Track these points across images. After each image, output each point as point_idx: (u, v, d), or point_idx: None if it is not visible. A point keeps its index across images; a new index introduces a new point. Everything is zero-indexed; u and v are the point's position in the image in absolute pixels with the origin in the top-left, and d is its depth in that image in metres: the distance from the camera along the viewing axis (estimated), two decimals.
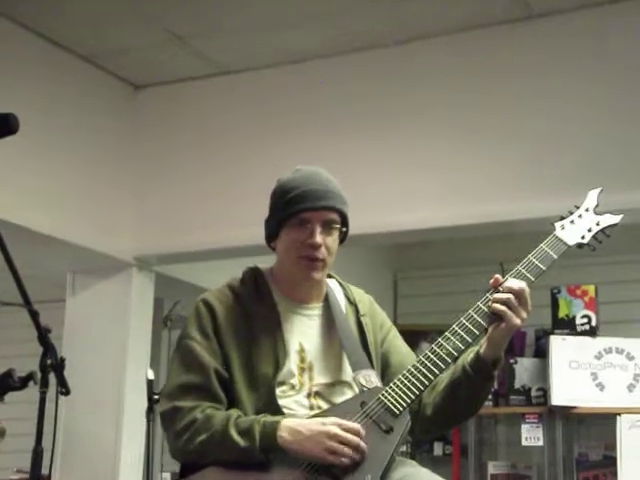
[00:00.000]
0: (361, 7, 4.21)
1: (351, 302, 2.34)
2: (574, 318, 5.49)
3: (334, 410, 2.11)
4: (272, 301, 2.24)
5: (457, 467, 5.88)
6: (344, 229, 2.26)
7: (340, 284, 2.37)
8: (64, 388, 2.47)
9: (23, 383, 2.51)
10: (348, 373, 2.21)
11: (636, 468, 4.37)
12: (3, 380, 2.54)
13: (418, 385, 2.08)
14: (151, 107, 4.99)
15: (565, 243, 2.18)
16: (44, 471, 2.51)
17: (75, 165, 4.61)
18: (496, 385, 5.56)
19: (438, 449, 6.06)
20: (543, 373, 5.53)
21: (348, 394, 2.19)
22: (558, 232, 2.20)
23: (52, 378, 2.53)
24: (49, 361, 2.44)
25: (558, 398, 5.32)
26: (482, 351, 2.12)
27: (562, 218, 2.23)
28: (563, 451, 5.49)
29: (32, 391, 2.55)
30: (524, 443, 5.51)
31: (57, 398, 2.49)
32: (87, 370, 4.60)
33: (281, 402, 2.13)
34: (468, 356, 2.15)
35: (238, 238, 4.51)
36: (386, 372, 2.25)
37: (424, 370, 2.09)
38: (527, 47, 4.22)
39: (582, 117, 4.04)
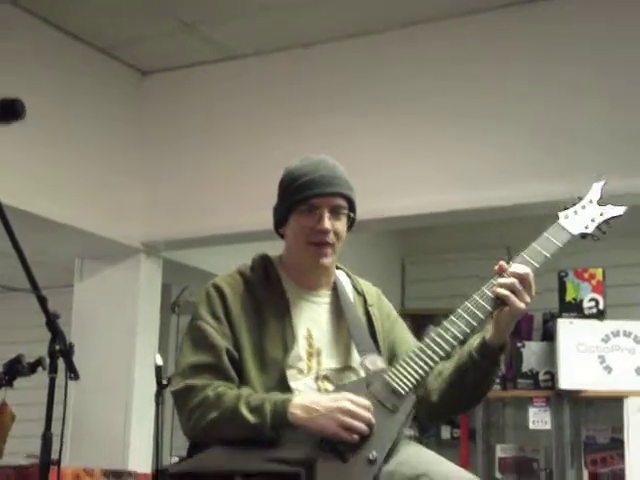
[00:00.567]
0: None
1: (359, 293, 2.37)
2: (582, 301, 5.49)
3: (340, 390, 2.12)
4: (281, 288, 2.26)
5: (465, 450, 5.90)
6: (352, 215, 2.28)
7: (348, 275, 2.40)
8: (73, 373, 2.48)
9: (32, 369, 2.53)
10: (356, 360, 2.23)
11: None
12: (12, 366, 2.56)
13: (423, 366, 2.11)
14: (159, 93, 4.99)
15: (569, 232, 2.21)
16: (54, 456, 2.53)
17: (83, 152, 4.61)
18: (503, 369, 5.57)
19: (446, 433, 6.08)
20: (550, 357, 5.54)
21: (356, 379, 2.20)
22: (562, 221, 2.22)
23: (61, 364, 2.54)
24: (58, 347, 2.45)
25: (565, 382, 5.33)
26: (488, 336, 2.14)
27: (566, 208, 2.25)
28: (570, 434, 5.50)
29: (41, 377, 2.57)
30: (532, 427, 5.53)
31: (66, 383, 2.51)
32: (96, 356, 4.62)
33: (291, 384, 2.15)
34: (474, 342, 2.17)
35: (246, 223, 4.52)
36: (393, 362, 2.26)
37: (429, 352, 2.11)
38: (527, 32, 4.22)
39: (583, 102, 4.04)
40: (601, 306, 5.46)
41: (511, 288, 2.09)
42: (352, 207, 2.27)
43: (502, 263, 2.15)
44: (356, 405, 2.02)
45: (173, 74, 4.97)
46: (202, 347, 2.15)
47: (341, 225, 2.24)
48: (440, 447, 5.81)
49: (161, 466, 3.57)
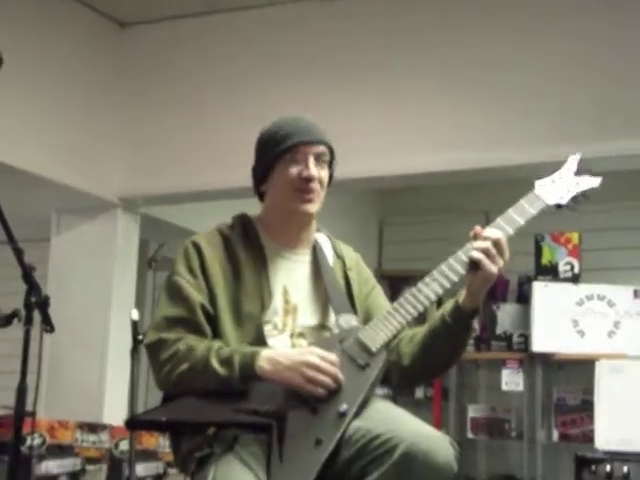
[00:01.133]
0: None
1: (338, 256, 2.38)
2: (557, 265, 5.54)
3: (313, 346, 2.13)
4: (259, 245, 2.26)
5: (438, 410, 5.96)
6: (332, 166, 2.29)
7: (329, 238, 2.41)
8: (48, 326, 2.49)
9: (7, 320, 2.53)
10: (332, 319, 2.25)
11: (612, 412, 4.44)
12: None
13: (395, 325, 2.13)
14: (138, 46, 4.94)
15: (543, 201, 2.21)
16: (29, 408, 2.54)
17: (61, 105, 4.57)
18: (478, 330, 5.62)
19: (419, 392, 6.14)
20: (525, 319, 5.59)
21: None
22: (538, 190, 2.23)
23: (37, 317, 2.55)
24: (33, 299, 2.45)
25: (539, 344, 5.39)
26: (461, 300, 2.16)
27: (543, 177, 2.25)
28: (542, 396, 5.58)
29: (17, 329, 2.57)
30: (504, 388, 5.60)
31: (41, 336, 2.52)
32: (72, 309, 4.62)
33: (267, 341, 2.16)
34: (447, 306, 2.19)
35: (226, 180, 4.50)
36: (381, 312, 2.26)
37: (402, 311, 2.13)
38: (513, 0, 4.20)
39: (567, 69, 4.04)
40: (576, 270, 5.51)
41: (485, 252, 2.10)
42: (332, 158, 2.29)
43: (478, 228, 2.15)
44: (322, 359, 2.04)
45: (152, 27, 4.91)
46: (177, 301, 2.16)
47: (324, 174, 2.26)
48: (414, 406, 5.86)
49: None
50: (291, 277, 2.26)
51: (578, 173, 2.26)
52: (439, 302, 2.22)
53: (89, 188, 4.69)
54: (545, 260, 5.55)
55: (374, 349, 2.11)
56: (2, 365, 4.63)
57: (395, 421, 2.03)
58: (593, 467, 4.16)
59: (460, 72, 4.21)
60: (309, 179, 2.21)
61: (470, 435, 5.90)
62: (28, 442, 3.54)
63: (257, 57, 4.63)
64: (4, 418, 3.69)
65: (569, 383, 5.70)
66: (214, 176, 4.59)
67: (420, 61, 4.32)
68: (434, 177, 4.39)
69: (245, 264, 2.21)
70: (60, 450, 3.84)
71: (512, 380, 5.58)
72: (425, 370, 2.27)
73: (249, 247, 2.25)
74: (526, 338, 5.61)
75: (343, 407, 2.02)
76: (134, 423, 2.51)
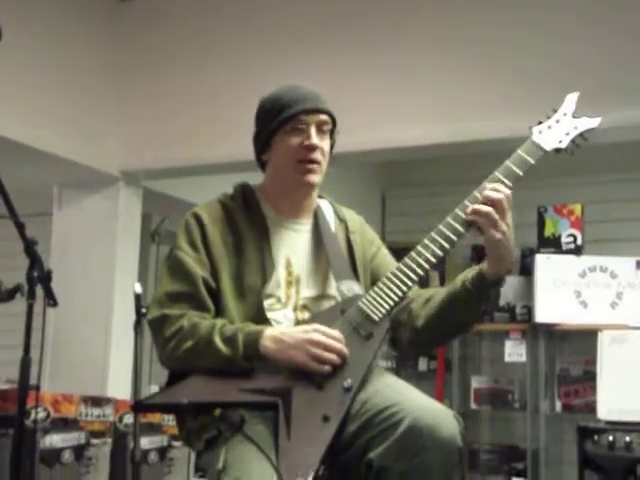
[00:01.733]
0: None
1: (341, 220, 2.35)
2: (560, 237, 5.54)
3: (314, 319, 2.13)
4: (261, 215, 2.24)
5: (441, 382, 5.98)
6: (334, 135, 2.26)
7: (331, 204, 2.38)
8: (51, 300, 2.49)
9: (10, 295, 2.54)
10: (334, 287, 2.22)
11: (614, 383, 4.46)
12: None
13: (397, 291, 2.10)
14: (137, 19, 4.90)
15: (542, 148, 2.15)
16: (33, 381, 2.55)
17: (60, 78, 4.55)
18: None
19: (423, 364, 6.16)
20: (528, 291, 5.60)
21: None
22: (535, 137, 2.17)
23: (40, 291, 2.55)
24: (36, 273, 2.45)
25: (542, 315, 5.40)
26: (484, 268, 2.10)
27: (540, 123, 2.19)
28: (545, 367, 5.59)
29: (20, 303, 2.58)
30: (507, 359, 5.62)
31: (44, 310, 2.52)
32: (75, 283, 4.63)
33: (269, 315, 2.15)
34: (470, 272, 2.13)
35: (227, 153, 4.49)
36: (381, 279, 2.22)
37: (402, 277, 2.10)
38: None
39: (565, 40, 3.99)
40: (579, 242, 5.51)
41: (487, 217, 2.05)
42: (334, 126, 2.25)
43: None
44: (326, 336, 2.03)
45: (152, 0, 4.88)
46: (179, 276, 2.14)
47: (326, 143, 2.22)
48: (417, 378, 5.89)
49: (139, 395, 3.60)
50: (293, 247, 2.25)
51: (576, 114, 2.20)
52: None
53: (91, 162, 4.68)
54: (548, 232, 5.55)
55: (377, 318, 2.09)
56: (6, 340, 4.65)
57: (400, 395, 2.02)
58: (595, 437, 4.18)
59: (459, 45, 4.18)
60: (311, 148, 2.18)
61: (473, 406, 5.93)
62: (32, 416, 3.55)
63: (259, 29, 4.60)
64: (8, 392, 3.71)
65: (572, 354, 5.72)
66: (216, 149, 4.58)
67: (420, 36, 4.28)
68: (435, 149, 4.37)
69: (247, 236, 2.20)
70: (64, 424, 3.86)
71: (515, 351, 5.60)
72: (437, 333, 2.22)
73: (250, 218, 2.23)
74: (529, 309, 5.62)
75: (348, 382, 2.01)
76: (140, 407, 2.52)
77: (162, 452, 4.27)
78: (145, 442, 4.13)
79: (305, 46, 4.49)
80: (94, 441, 3.97)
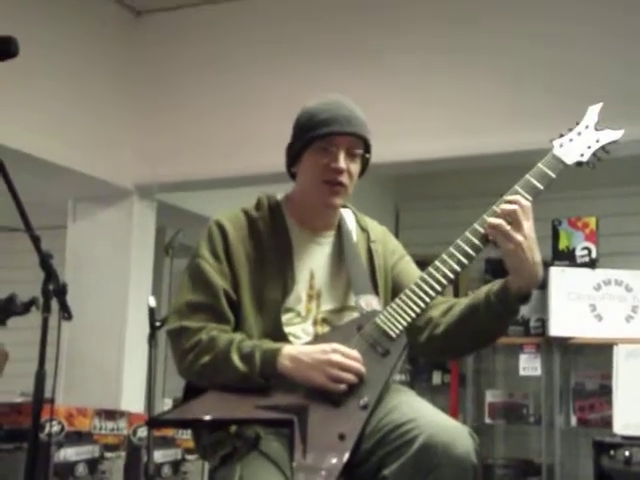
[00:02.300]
0: None
1: (363, 229, 2.34)
2: (574, 250, 5.51)
3: (331, 335, 2.12)
4: (285, 227, 2.23)
5: (455, 396, 5.95)
6: (367, 155, 2.24)
7: (354, 213, 2.37)
8: (66, 313, 2.50)
9: (25, 308, 2.54)
10: (354, 299, 2.21)
11: (630, 397, 4.43)
12: (6, 305, 2.56)
13: (414, 308, 2.08)
14: (154, 33, 4.94)
15: (563, 162, 2.12)
16: (47, 394, 2.55)
17: (77, 92, 4.57)
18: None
19: (437, 378, 6.13)
20: (542, 304, 5.56)
21: None
22: (556, 150, 2.13)
23: (55, 304, 2.55)
24: (51, 286, 2.45)
25: (556, 329, 5.37)
26: (508, 282, 2.07)
27: (561, 136, 2.16)
28: (560, 381, 5.56)
29: (36, 317, 2.58)
30: (522, 373, 5.58)
31: (59, 323, 2.52)
32: (90, 296, 4.64)
33: (287, 329, 2.14)
34: (496, 284, 2.11)
35: (241, 167, 4.50)
36: (398, 295, 2.18)
37: (420, 293, 2.08)
38: None
39: (584, 54, 4.00)
40: (593, 255, 5.48)
41: (498, 229, 2.02)
42: (368, 149, 2.24)
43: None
44: (345, 357, 2.01)
45: (168, 14, 4.91)
46: (200, 286, 2.13)
47: (355, 167, 2.20)
48: (431, 392, 5.87)
49: (153, 408, 3.60)
50: (316, 261, 2.23)
51: (599, 126, 2.15)
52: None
53: (105, 175, 4.70)
54: (562, 245, 5.53)
55: (394, 335, 2.07)
56: (21, 353, 4.65)
57: (416, 412, 2.00)
58: (612, 452, 4.15)
59: (476, 58, 4.19)
60: (337, 171, 2.16)
61: (488, 420, 5.89)
62: (47, 429, 3.55)
63: (272, 44, 4.61)
64: (23, 405, 3.72)
65: (587, 368, 5.69)
66: (230, 162, 4.59)
67: (436, 48, 4.29)
68: (451, 162, 4.37)
69: (269, 248, 2.19)
70: (78, 437, 3.86)
71: (530, 365, 5.56)
72: (456, 343, 2.19)
73: (274, 230, 2.22)
74: (543, 322, 5.59)
75: (364, 400, 2.00)
76: (156, 423, 2.51)
77: (176, 466, 4.27)
78: (159, 456, 4.13)
79: (319, 60, 4.50)
80: (108, 454, 3.97)
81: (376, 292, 2.22)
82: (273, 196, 2.29)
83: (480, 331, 2.14)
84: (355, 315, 2.17)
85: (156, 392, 4.50)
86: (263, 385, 2.03)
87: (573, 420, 5.61)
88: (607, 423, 4.87)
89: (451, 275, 2.08)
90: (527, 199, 2.07)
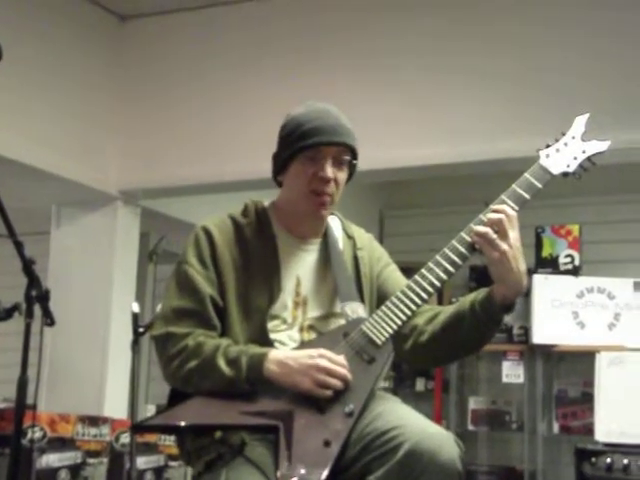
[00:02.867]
0: None
1: (349, 236, 2.34)
2: (557, 257, 5.54)
3: (318, 341, 2.12)
4: (272, 234, 2.23)
5: (438, 402, 5.97)
6: (354, 162, 2.24)
7: (340, 220, 2.38)
8: (49, 319, 2.49)
9: (8, 314, 2.53)
10: (340, 306, 2.21)
11: (612, 404, 4.45)
12: None
13: (400, 315, 2.08)
14: (138, 39, 4.93)
15: (549, 172, 2.13)
16: (30, 400, 2.54)
17: (60, 98, 4.56)
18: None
19: (420, 385, 6.15)
20: (525, 311, 5.59)
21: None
22: (543, 161, 2.15)
23: (38, 310, 2.54)
24: (34, 292, 2.45)
25: (539, 336, 5.39)
26: (493, 291, 2.08)
27: (548, 146, 2.17)
28: (543, 388, 5.58)
29: (18, 322, 2.57)
30: (505, 380, 5.60)
31: (42, 329, 2.51)
32: (73, 302, 4.62)
33: (273, 336, 2.14)
34: (480, 293, 2.12)
35: (225, 173, 4.50)
36: (384, 302, 2.19)
37: (406, 300, 2.09)
38: None
39: (569, 58, 4.02)
40: (577, 262, 5.51)
41: (485, 237, 2.04)
42: (355, 157, 2.24)
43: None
44: (331, 362, 2.02)
45: (152, 20, 4.90)
46: (187, 292, 2.13)
47: (342, 175, 2.20)
48: (414, 399, 5.87)
49: (136, 414, 3.59)
50: (303, 268, 2.23)
51: (585, 137, 2.16)
52: None
53: (89, 181, 4.68)
54: (545, 252, 5.56)
55: (379, 342, 2.07)
56: (3, 359, 4.63)
57: (401, 419, 2.00)
58: (593, 459, 4.17)
59: (461, 66, 4.20)
60: (324, 181, 2.16)
61: (471, 427, 5.91)
62: (29, 435, 3.54)
63: (257, 49, 4.62)
64: (5, 411, 3.70)
65: (569, 375, 5.71)
66: (214, 169, 4.58)
67: (421, 56, 4.30)
68: (436, 170, 4.38)
69: (256, 255, 2.19)
70: (61, 443, 3.84)
71: (512, 372, 5.58)
72: (440, 351, 2.20)
73: (261, 237, 2.22)
74: (526, 330, 5.61)
75: (349, 407, 2.00)
76: (140, 428, 2.50)
77: (158, 472, 4.25)
78: (141, 462, 4.11)
79: (305, 64, 4.50)
80: (90, 460, 3.95)
81: (362, 299, 2.22)
82: (260, 202, 2.29)
83: (464, 340, 2.15)
84: (341, 322, 2.18)
85: (139, 398, 4.49)
86: (249, 390, 2.02)
87: (555, 427, 5.63)
88: (589, 430, 4.89)
89: (438, 283, 2.09)
90: (513, 208, 2.08)
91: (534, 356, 5.57)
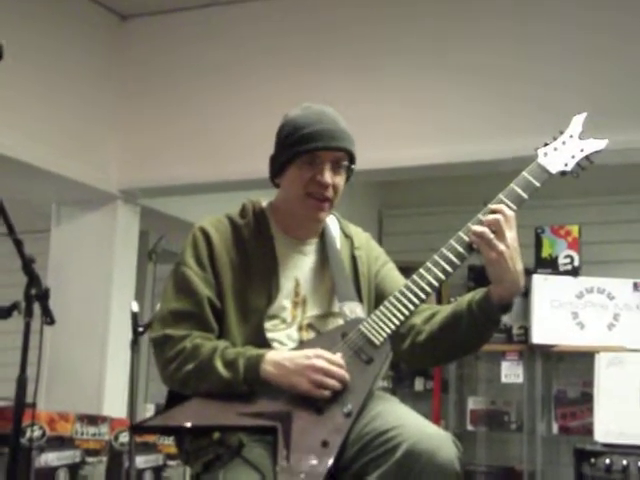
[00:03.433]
0: None
1: (347, 236, 2.34)
2: (557, 258, 5.54)
3: (316, 341, 2.12)
4: (269, 235, 2.23)
5: (437, 402, 5.96)
6: (352, 166, 2.23)
7: (337, 220, 2.37)
8: (49, 317, 2.49)
9: (7, 312, 2.53)
10: (338, 305, 2.21)
11: (611, 405, 4.45)
12: None
13: (398, 315, 2.08)
14: (138, 38, 4.93)
15: (548, 171, 2.13)
16: (29, 399, 2.54)
17: (61, 95, 4.56)
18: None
19: (419, 384, 6.14)
20: (524, 312, 5.59)
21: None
22: (541, 159, 2.14)
23: (37, 309, 2.55)
24: (33, 291, 2.45)
25: (539, 336, 5.39)
26: (490, 291, 2.08)
27: (546, 144, 2.17)
28: (542, 388, 5.58)
29: (18, 321, 2.57)
30: (504, 380, 5.60)
31: (42, 327, 2.51)
32: (72, 301, 4.62)
33: (272, 335, 2.14)
34: (478, 293, 2.12)
35: (224, 172, 4.50)
36: (383, 302, 2.18)
37: (404, 300, 2.08)
38: None
39: (568, 58, 4.02)
40: (576, 263, 5.51)
41: (482, 237, 2.04)
42: (352, 160, 2.23)
43: (491, 208, 2.07)
44: (328, 362, 2.02)
45: (153, 19, 4.90)
46: (184, 294, 2.13)
47: (340, 179, 2.20)
48: (413, 399, 5.88)
49: (135, 414, 3.59)
50: (301, 269, 2.23)
51: (583, 136, 2.16)
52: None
53: (89, 180, 4.68)
54: (545, 253, 5.56)
55: (377, 342, 2.07)
56: (2, 357, 4.64)
57: (399, 419, 2.00)
58: (592, 460, 4.17)
59: (457, 66, 4.20)
60: (323, 185, 2.16)
61: (470, 427, 5.91)
62: (28, 434, 3.54)
63: (257, 49, 4.62)
64: (4, 410, 3.70)
65: (569, 375, 5.71)
66: (213, 168, 4.58)
67: (417, 57, 4.30)
68: (433, 169, 4.38)
69: (254, 256, 2.18)
70: (60, 442, 3.84)
71: (512, 372, 5.58)
72: (438, 350, 2.19)
73: (259, 237, 2.21)
74: (526, 330, 5.61)
75: (348, 407, 2.00)
76: (139, 429, 2.50)
77: (157, 471, 4.25)
78: (140, 461, 4.11)
79: (303, 66, 4.50)
80: (89, 460, 3.95)
81: (360, 299, 2.22)
82: (258, 202, 2.28)
83: (462, 339, 2.15)
84: (339, 321, 2.17)
85: (138, 397, 4.50)
86: (247, 392, 2.02)
87: (554, 427, 5.63)
88: (588, 431, 4.88)
89: (436, 283, 2.09)
90: (511, 208, 2.08)
91: (533, 356, 5.57)
